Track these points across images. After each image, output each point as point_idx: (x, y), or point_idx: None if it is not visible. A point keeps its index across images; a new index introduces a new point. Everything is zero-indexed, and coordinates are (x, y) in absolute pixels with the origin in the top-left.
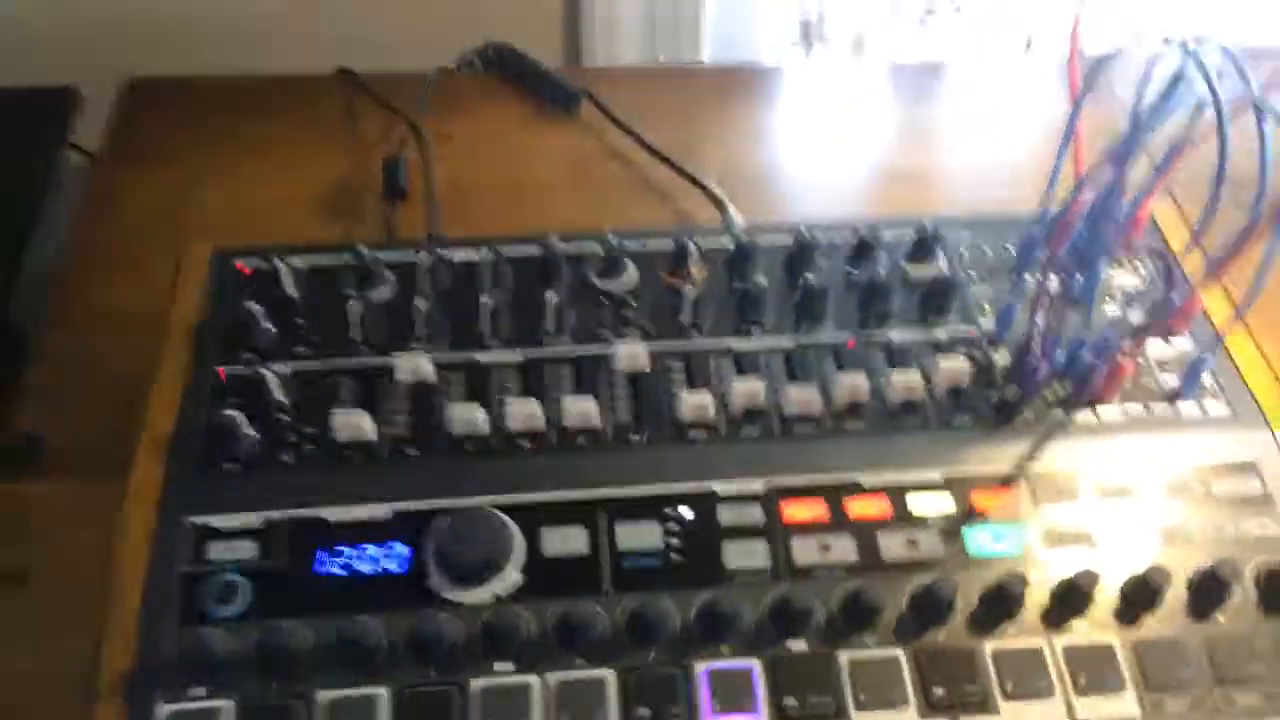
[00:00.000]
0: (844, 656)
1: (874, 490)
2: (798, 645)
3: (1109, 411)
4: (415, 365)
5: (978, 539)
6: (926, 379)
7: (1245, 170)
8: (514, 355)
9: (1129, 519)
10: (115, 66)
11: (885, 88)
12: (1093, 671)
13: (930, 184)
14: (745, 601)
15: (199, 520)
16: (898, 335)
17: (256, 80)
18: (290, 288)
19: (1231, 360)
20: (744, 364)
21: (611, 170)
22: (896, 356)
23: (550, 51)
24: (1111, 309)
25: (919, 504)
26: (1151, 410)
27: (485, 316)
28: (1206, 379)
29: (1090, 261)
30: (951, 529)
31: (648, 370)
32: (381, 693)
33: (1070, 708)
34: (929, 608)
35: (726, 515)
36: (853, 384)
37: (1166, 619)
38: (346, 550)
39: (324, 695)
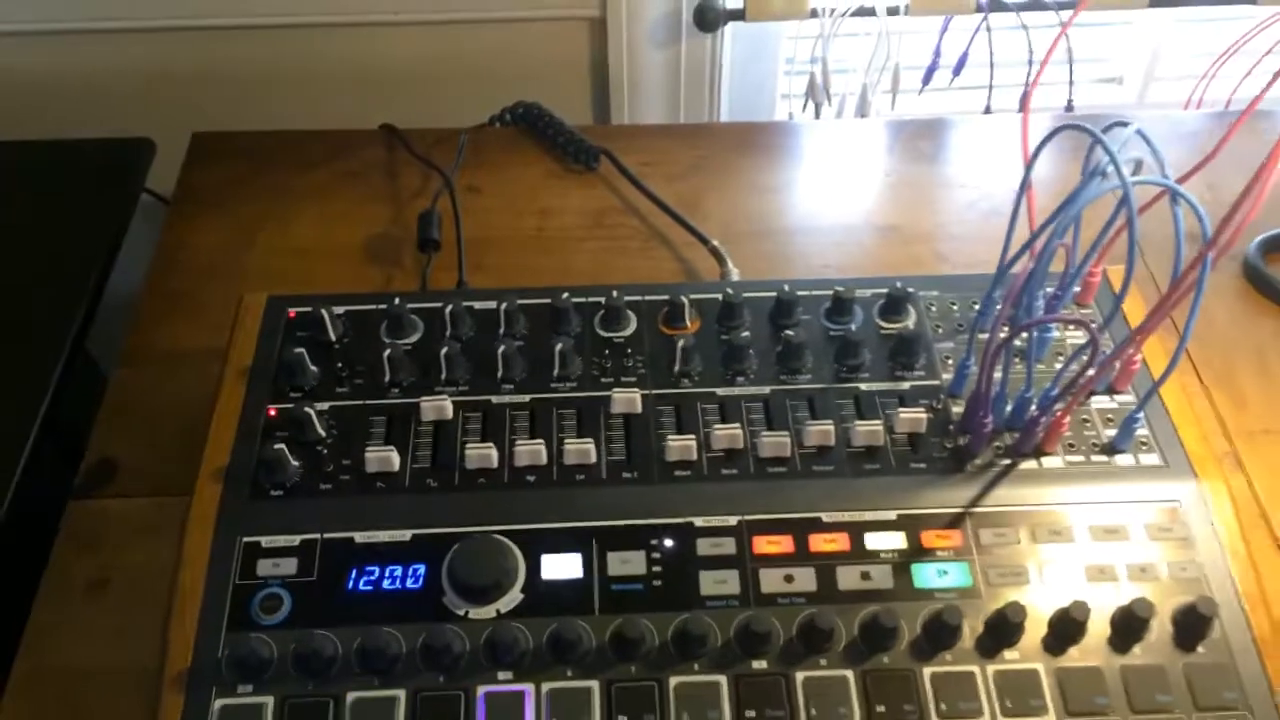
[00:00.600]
0: (799, 675)
1: (834, 527)
2: (760, 664)
3: (1051, 461)
4: (438, 406)
5: (924, 573)
6: (889, 428)
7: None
8: (524, 398)
9: (1061, 558)
10: (188, 120)
11: (884, 144)
12: (1018, 695)
13: (920, 238)
14: (715, 624)
15: (249, 540)
16: (867, 386)
17: (307, 134)
18: (332, 333)
19: (1168, 414)
20: (727, 410)
21: (626, 223)
22: (864, 405)
23: (581, 110)
24: (1059, 365)
25: (874, 540)
26: (1090, 460)
27: (500, 363)
28: (1143, 431)
29: (1033, 325)
30: (902, 563)
31: (640, 413)
32: (400, 695)
33: None
34: (876, 634)
35: (704, 546)
36: (822, 431)
37: (1089, 650)
38: (373, 569)
39: (351, 695)
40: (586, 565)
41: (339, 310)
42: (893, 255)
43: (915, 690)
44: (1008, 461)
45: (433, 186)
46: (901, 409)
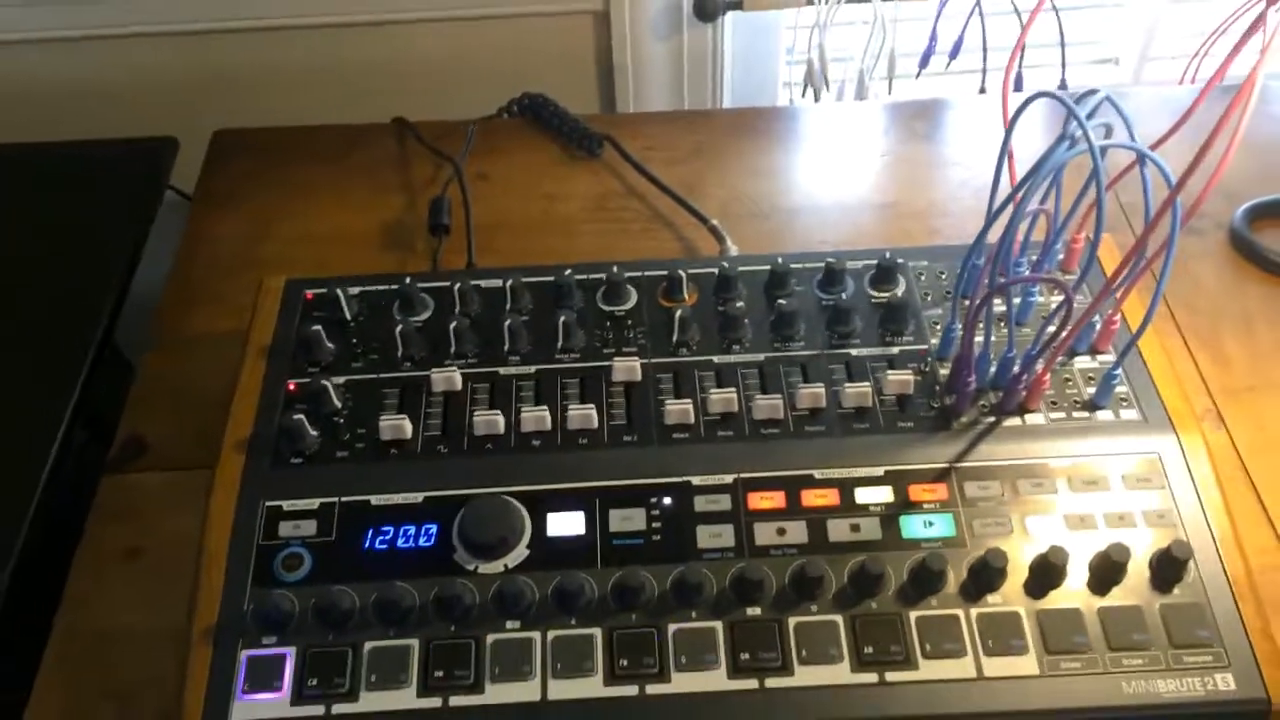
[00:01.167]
0: (791, 621)
1: (825, 483)
2: (753, 611)
3: (1034, 418)
4: (447, 378)
5: (911, 524)
6: (878, 390)
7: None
8: (529, 369)
9: (1042, 508)
10: (209, 119)
11: (880, 125)
12: (1000, 636)
13: (914, 215)
14: (712, 574)
15: (271, 504)
16: (857, 351)
17: (322, 129)
18: (347, 312)
19: (1148, 372)
20: (723, 376)
21: (628, 206)
22: (854, 370)
23: (588, 102)
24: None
25: (863, 495)
26: (1071, 416)
27: (506, 336)
28: (1123, 389)
29: (1014, 289)
30: (890, 516)
31: (640, 381)
32: (414, 644)
33: (979, 666)
34: (864, 581)
35: (700, 503)
36: (813, 393)
37: (1069, 593)
38: (388, 528)
39: (368, 644)
40: (589, 522)
41: (353, 291)
42: (887, 231)
43: (901, 633)
44: (992, 419)
45: (443, 175)
46: (890, 371)
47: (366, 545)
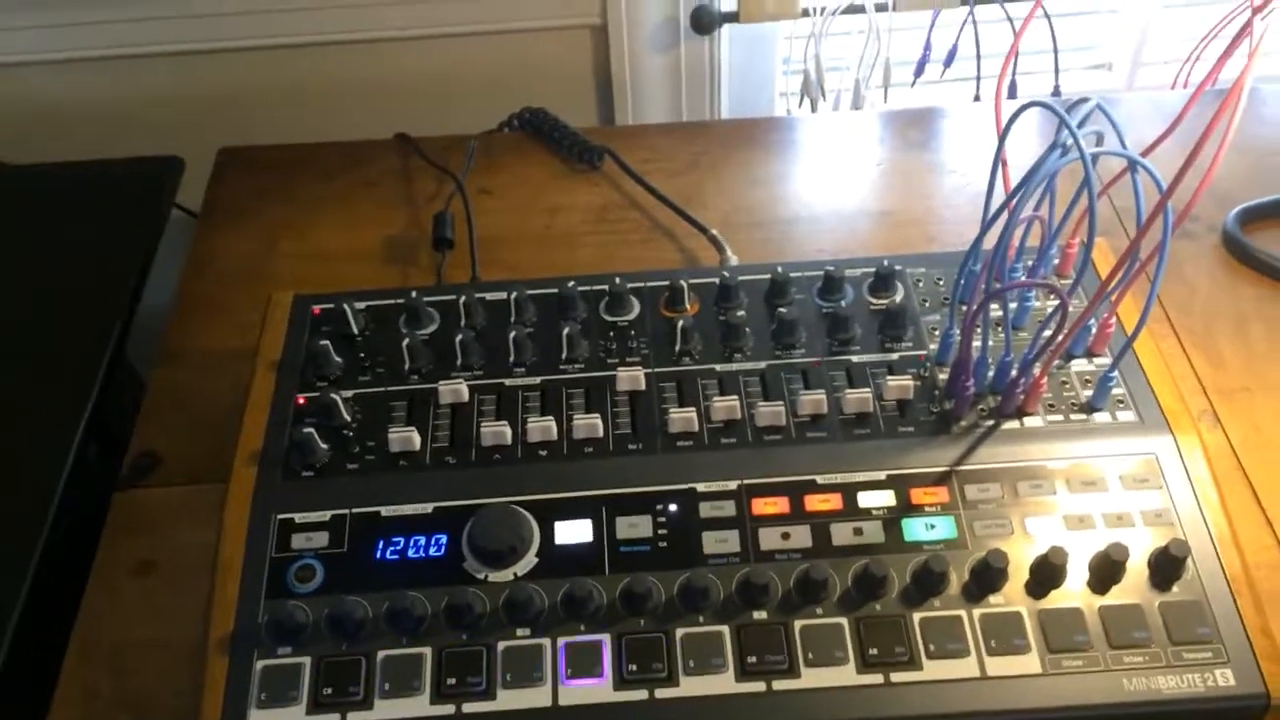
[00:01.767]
0: (797, 624)
1: (828, 488)
2: (760, 615)
3: (1032, 421)
4: (454, 390)
5: (913, 527)
6: (878, 395)
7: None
8: (534, 380)
9: (1042, 510)
10: (214, 138)
11: (876, 134)
12: (1003, 636)
13: (911, 222)
14: (718, 579)
15: (283, 516)
16: (858, 358)
17: (326, 146)
18: (354, 326)
19: (1144, 374)
20: (725, 384)
21: (629, 217)
22: (855, 376)
23: (587, 115)
24: (1040, 330)
25: (865, 499)
26: (1069, 419)
27: (511, 348)
28: (1119, 391)
29: (1011, 294)
30: (892, 519)
31: (644, 390)
32: (426, 652)
33: (982, 665)
34: (868, 584)
35: (706, 510)
36: (814, 400)
37: (1069, 593)
38: (398, 539)
39: (381, 653)
40: (597, 530)
41: (360, 305)
42: (884, 239)
43: (905, 634)
44: (991, 423)
45: (446, 190)
46: (890, 377)
47: (378, 556)
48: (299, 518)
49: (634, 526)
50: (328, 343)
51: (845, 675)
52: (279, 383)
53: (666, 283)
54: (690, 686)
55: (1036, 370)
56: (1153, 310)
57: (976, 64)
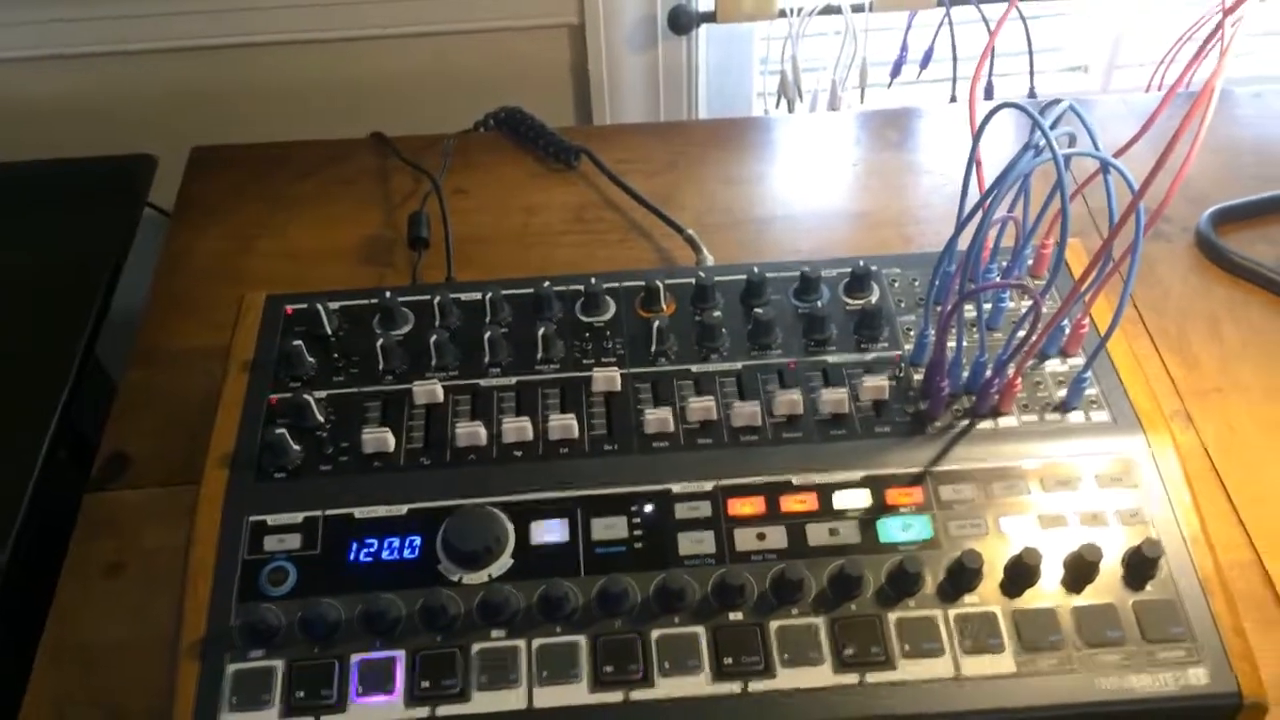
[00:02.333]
0: (773, 625)
1: (804, 488)
2: (735, 616)
3: (1006, 421)
4: (429, 391)
5: (889, 528)
6: (854, 395)
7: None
8: (510, 380)
9: (1016, 510)
10: (188, 137)
11: (853, 135)
12: (977, 635)
13: (887, 223)
14: (694, 580)
15: (255, 518)
16: (834, 358)
17: (301, 144)
18: (327, 327)
19: (1117, 374)
20: (701, 384)
21: (606, 217)
22: (831, 376)
23: (564, 115)
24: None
25: (841, 499)
26: (1043, 419)
27: (487, 348)
28: (1092, 391)
29: (985, 294)
30: (867, 520)
31: (620, 391)
32: (400, 654)
33: (957, 665)
34: (843, 584)
35: (681, 510)
36: (790, 400)
37: (1043, 592)
38: (371, 541)
39: (355, 656)
40: (572, 531)
41: (334, 306)
42: (861, 239)
43: (881, 634)
44: (966, 423)
45: (422, 189)
46: (866, 377)
47: (351, 558)
48: (271, 519)
49: (610, 528)
50: (301, 343)
51: (821, 676)
52: (251, 383)
53: (642, 283)
54: (666, 688)
55: (1010, 371)
56: (1126, 311)
57: (953, 65)
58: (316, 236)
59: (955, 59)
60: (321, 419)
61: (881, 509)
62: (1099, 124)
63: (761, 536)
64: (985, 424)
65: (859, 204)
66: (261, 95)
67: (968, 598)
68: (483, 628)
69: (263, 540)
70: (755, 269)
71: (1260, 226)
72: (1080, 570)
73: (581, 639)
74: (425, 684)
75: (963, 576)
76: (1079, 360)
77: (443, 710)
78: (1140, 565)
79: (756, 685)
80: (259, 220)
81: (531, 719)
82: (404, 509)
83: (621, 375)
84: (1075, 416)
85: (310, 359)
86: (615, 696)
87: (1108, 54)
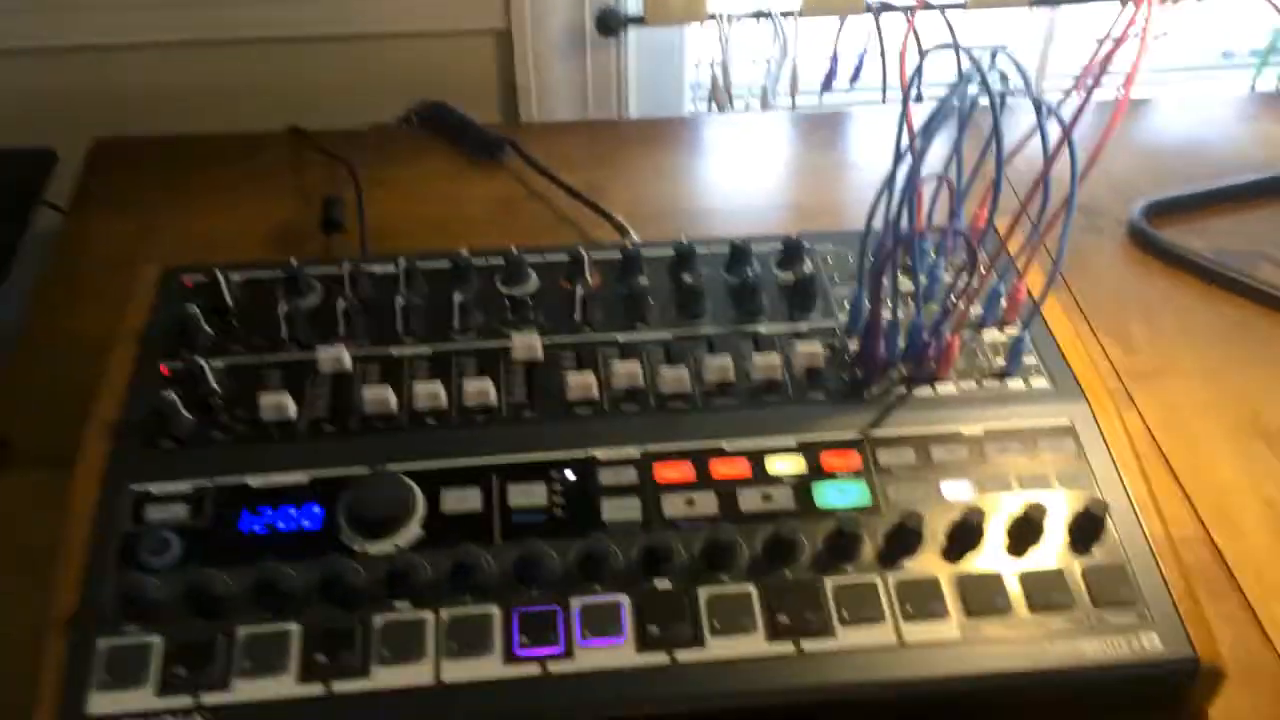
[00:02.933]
0: (703, 593)
1: (736, 454)
2: (662, 583)
3: (945, 387)
4: (335, 356)
5: (825, 493)
6: (787, 362)
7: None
8: (424, 349)
9: (957, 473)
10: (86, 128)
11: (785, 133)
12: (920, 601)
13: (820, 214)
14: (618, 548)
15: (138, 488)
16: (766, 328)
17: (213, 137)
18: (228, 296)
19: (1055, 341)
20: (627, 353)
21: (532, 210)
22: (762, 344)
23: (491, 119)
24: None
25: (774, 465)
26: (983, 385)
27: (400, 316)
28: (1031, 359)
29: (921, 265)
30: (802, 485)
31: (541, 360)
32: (294, 628)
33: (899, 632)
34: (777, 549)
35: (605, 477)
36: (721, 365)
37: (987, 556)
38: (266, 510)
39: (243, 630)
40: (487, 498)
41: (236, 277)
42: (792, 230)
43: (817, 600)
44: (903, 390)
45: (339, 181)
46: (799, 342)
47: (243, 529)
48: (156, 489)
49: (527, 494)
50: (197, 310)
51: (754, 644)
52: (142, 352)
53: (566, 257)
54: (587, 659)
55: (947, 333)
56: (1064, 298)
57: (882, 70)
58: (225, 224)
59: (885, 68)
60: (217, 387)
61: (817, 474)
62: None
63: (690, 503)
64: (923, 391)
65: (790, 197)
66: (176, 96)
67: (909, 562)
68: (386, 599)
69: (145, 510)
70: (683, 240)
71: (1191, 221)
72: (1025, 533)
73: (495, 609)
74: (321, 659)
75: (903, 539)
76: (1016, 330)
77: (340, 686)
78: (1086, 527)
79: (685, 655)
80: (164, 208)
81: (439, 696)
82: (304, 477)
83: (544, 344)
84: (1015, 383)
85: (208, 329)
86: (532, 669)
87: (1037, 59)
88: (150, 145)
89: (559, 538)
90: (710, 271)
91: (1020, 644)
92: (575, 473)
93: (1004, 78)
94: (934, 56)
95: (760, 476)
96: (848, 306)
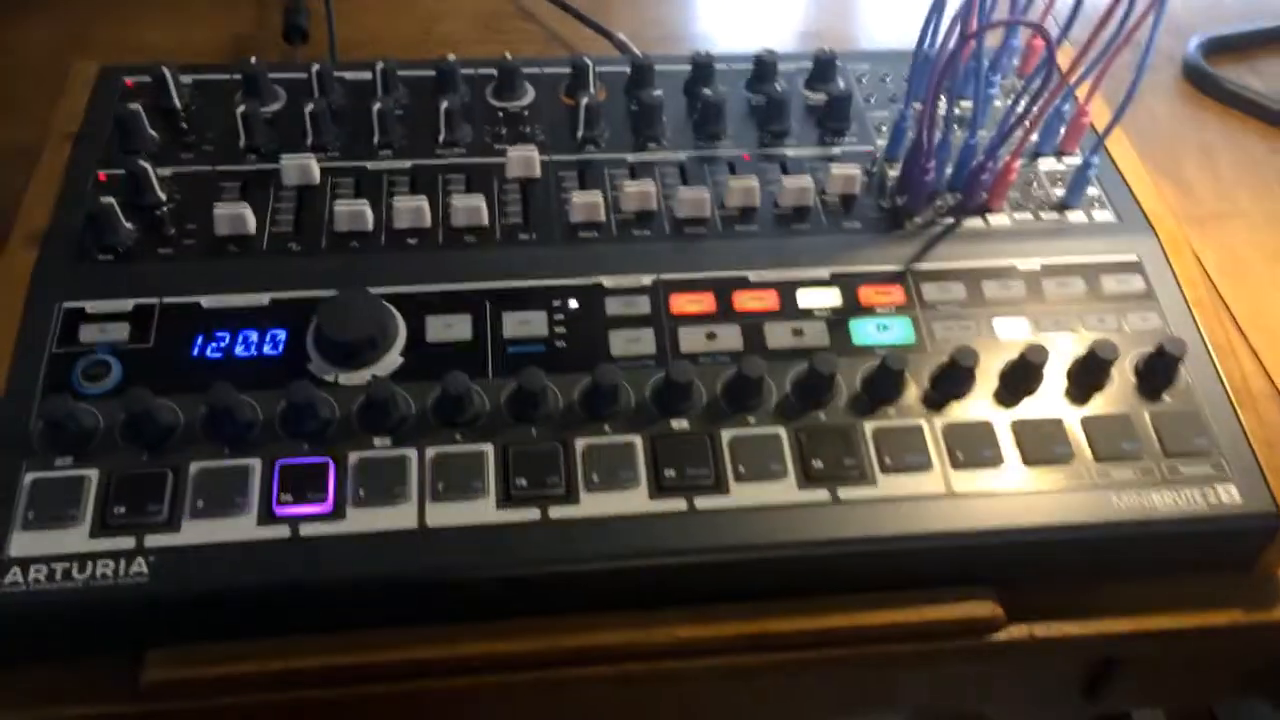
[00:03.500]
0: (726, 434)
1: (762, 285)
2: (680, 424)
3: (998, 219)
4: (301, 167)
5: (864, 329)
6: (819, 187)
7: None
8: (405, 163)
9: (1012, 312)
10: None
11: None
12: (970, 447)
13: (843, 42)
14: (629, 384)
15: (71, 305)
16: (794, 152)
17: None
18: (177, 100)
19: (1119, 172)
20: (638, 173)
21: (521, 27)
22: (790, 168)
23: None
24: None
25: (806, 298)
26: (1040, 218)
27: (376, 125)
28: (1094, 190)
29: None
30: (838, 320)
31: (539, 177)
32: (254, 463)
33: (948, 481)
34: (811, 387)
35: (614, 306)
36: (745, 187)
37: (1046, 401)
38: (222, 334)
39: (195, 465)
40: (478, 327)
41: (186, 79)
42: None
43: (856, 444)
44: (951, 220)
45: None
46: (834, 166)
47: (195, 353)
48: (91, 306)
49: (525, 324)
50: (139, 110)
51: (784, 492)
52: (75, 156)
53: (568, 68)
54: (593, 505)
55: (1006, 155)
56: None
57: None
58: (172, 32)
59: None
60: (163, 196)
61: (854, 309)
62: None
63: (711, 336)
64: (973, 222)
65: (810, 25)
66: None
67: (957, 405)
68: (363, 435)
69: (78, 329)
70: (702, 52)
71: (1248, 59)
72: (1089, 375)
73: (488, 447)
74: (286, 497)
75: (954, 379)
76: (1077, 159)
77: (307, 529)
78: (1159, 370)
79: (705, 502)
80: (98, 12)
81: (422, 540)
82: (265, 298)
83: (542, 162)
84: (1076, 215)
85: (152, 133)
86: (531, 514)
87: None
88: None
89: (561, 372)
90: (729, 89)
91: (1084, 495)
92: (579, 301)
93: None
94: None
95: (790, 310)
96: (885, 131)
